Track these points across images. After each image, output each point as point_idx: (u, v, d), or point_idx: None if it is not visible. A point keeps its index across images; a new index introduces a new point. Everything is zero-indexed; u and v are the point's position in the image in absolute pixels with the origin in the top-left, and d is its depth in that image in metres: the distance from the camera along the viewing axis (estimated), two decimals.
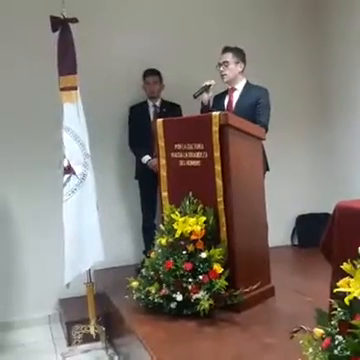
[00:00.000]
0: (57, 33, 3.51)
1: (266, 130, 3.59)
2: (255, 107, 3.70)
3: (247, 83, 3.86)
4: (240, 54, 3.82)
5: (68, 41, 3.51)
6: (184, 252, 3.13)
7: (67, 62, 3.51)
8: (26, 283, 4.41)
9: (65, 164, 3.53)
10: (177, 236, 3.17)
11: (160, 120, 3.53)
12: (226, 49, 3.80)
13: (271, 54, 4.90)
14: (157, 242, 3.33)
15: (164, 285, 3.13)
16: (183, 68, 4.54)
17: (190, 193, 3.28)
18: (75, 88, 3.54)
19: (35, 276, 4.38)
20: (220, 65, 3.80)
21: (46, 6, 3.62)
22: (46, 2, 3.87)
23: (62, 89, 3.52)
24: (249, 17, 4.90)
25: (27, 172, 4.39)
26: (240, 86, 3.85)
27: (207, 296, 3.00)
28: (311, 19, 5.08)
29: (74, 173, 3.51)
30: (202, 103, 3.82)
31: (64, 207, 3.51)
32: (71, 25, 3.48)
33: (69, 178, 3.51)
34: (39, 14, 3.76)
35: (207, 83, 3.75)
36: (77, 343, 3.74)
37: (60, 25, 3.49)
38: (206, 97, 3.79)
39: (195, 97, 3.72)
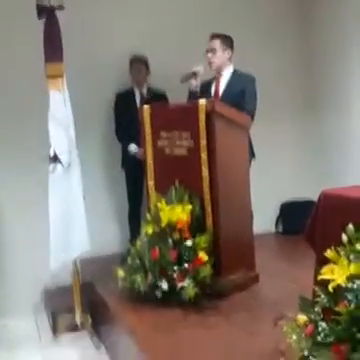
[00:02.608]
0: (43, 20, 3.48)
1: (252, 118, 3.58)
2: (242, 95, 3.67)
3: (234, 71, 3.82)
4: (228, 41, 3.78)
5: (54, 28, 3.48)
6: (170, 240, 3.13)
7: (53, 49, 3.48)
8: (11, 273, 4.37)
9: (51, 153, 3.51)
10: (163, 225, 3.17)
11: (147, 106, 3.49)
12: (214, 36, 3.76)
13: (259, 41, 4.86)
14: (143, 231, 3.32)
15: (149, 274, 3.13)
16: (171, 55, 4.49)
17: (176, 182, 3.27)
18: (61, 76, 3.51)
19: (20, 266, 4.35)
20: (208, 52, 3.77)
21: None
22: None
23: (48, 76, 3.50)
24: (237, 4, 4.86)
25: (12, 160, 4.33)
26: (227, 73, 3.82)
27: (192, 284, 3.00)
28: (300, 6, 5.05)
29: (60, 162, 3.48)
30: (189, 89, 3.78)
31: (50, 196, 3.49)
32: (57, 12, 3.44)
33: (55, 167, 3.49)
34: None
35: (195, 69, 3.72)
36: (62, 332, 3.73)
37: (46, 12, 3.46)
38: (194, 83, 3.74)
39: (182, 82, 3.69)
